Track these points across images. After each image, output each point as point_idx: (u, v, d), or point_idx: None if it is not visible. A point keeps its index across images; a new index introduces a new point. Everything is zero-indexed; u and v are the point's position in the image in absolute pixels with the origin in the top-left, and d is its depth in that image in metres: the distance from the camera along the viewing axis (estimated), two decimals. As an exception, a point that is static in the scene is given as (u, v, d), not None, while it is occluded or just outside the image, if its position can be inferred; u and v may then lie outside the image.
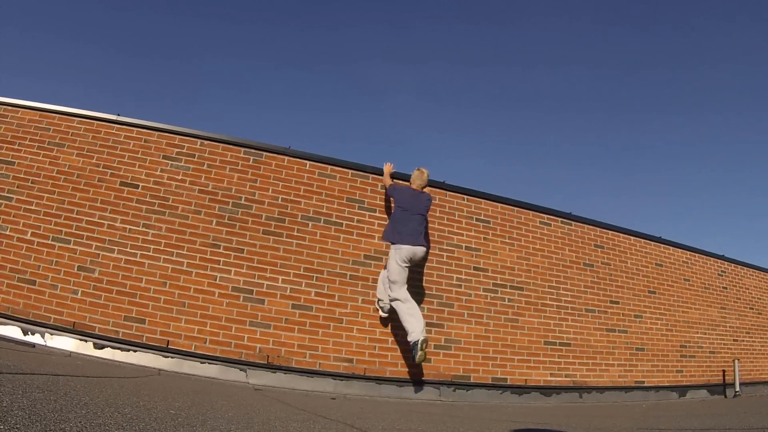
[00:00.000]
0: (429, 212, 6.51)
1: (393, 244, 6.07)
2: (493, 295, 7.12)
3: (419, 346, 5.67)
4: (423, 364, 6.40)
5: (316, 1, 39.46)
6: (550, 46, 40.48)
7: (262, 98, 43.74)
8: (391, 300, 6.03)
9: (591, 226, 8.42)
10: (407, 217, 6.19)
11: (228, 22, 38.19)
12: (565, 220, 8.13)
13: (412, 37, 41.65)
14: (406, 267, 6.02)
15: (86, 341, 5.49)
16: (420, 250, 6.13)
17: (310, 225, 6.41)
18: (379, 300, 6.30)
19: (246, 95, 42.85)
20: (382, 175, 6.73)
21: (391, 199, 6.48)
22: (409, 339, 5.82)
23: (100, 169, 6.08)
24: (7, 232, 5.73)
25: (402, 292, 5.96)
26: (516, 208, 7.72)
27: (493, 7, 38.76)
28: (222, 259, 6.02)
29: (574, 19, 37.36)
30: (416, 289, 6.54)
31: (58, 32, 32.77)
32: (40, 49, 32.91)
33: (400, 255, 5.97)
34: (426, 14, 39.55)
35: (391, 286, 6.01)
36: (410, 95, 42.62)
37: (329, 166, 6.73)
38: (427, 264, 6.81)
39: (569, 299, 7.75)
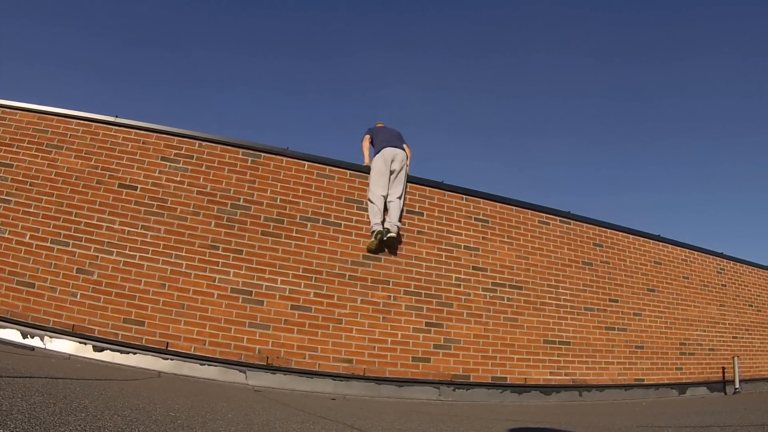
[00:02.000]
0: (426, 209, 7.00)
1: (376, 154, 6.95)
2: (492, 294, 7.12)
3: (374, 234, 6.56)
4: (422, 363, 6.42)
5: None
6: (552, 39, 40.53)
7: (262, 95, 43.73)
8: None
9: (590, 225, 8.42)
10: (386, 136, 7.16)
11: (222, 15, 38.20)
12: (563, 219, 8.14)
13: (412, 30, 41.67)
14: (387, 171, 6.81)
15: (85, 344, 5.49)
16: (400, 152, 6.95)
17: (308, 226, 6.41)
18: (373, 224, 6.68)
19: (243, 90, 42.82)
20: None
21: (368, 138, 7.35)
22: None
23: (99, 171, 6.08)
24: (6, 235, 5.72)
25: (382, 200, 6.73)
26: (515, 208, 7.72)
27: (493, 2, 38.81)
28: (221, 260, 6.02)
29: (576, 8, 37.40)
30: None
31: (54, 36, 32.75)
32: (36, 53, 32.90)
33: (382, 156, 6.85)
34: (427, 9, 39.59)
35: (373, 192, 6.73)
36: (409, 96, 42.65)
37: (327, 167, 6.74)
38: (425, 263, 6.82)
39: (568, 298, 7.75)
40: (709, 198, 40.95)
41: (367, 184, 6.77)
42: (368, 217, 6.64)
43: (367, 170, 6.89)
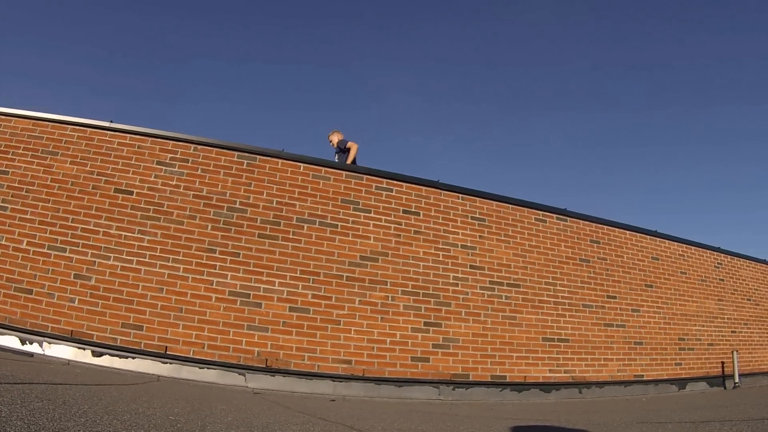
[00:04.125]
0: (422, 209, 7.17)
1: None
2: (490, 292, 7.13)
3: None
4: (421, 363, 6.42)
5: (309, 2, 39.51)
6: (545, 44, 40.58)
7: (255, 100, 43.73)
8: None
9: (586, 222, 8.43)
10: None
11: (220, 24, 38.19)
12: (560, 217, 8.15)
13: (407, 37, 41.70)
14: None
15: (84, 349, 5.48)
16: None
17: (305, 227, 6.42)
18: None
19: (239, 97, 42.84)
20: (375, 175, 6.87)
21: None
22: None
23: (94, 176, 6.08)
24: (3, 242, 5.71)
25: None
26: (511, 206, 7.73)
27: (488, 6, 38.83)
28: (218, 263, 6.02)
29: (566, 16, 37.45)
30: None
31: (51, 38, 32.72)
32: (33, 56, 32.84)
33: None
34: (421, 14, 39.61)
35: None
36: (405, 96, 42.67)
37: (323, 168, 6.74)
38: (423, 263, 6.83)
39: (566, 295, 7.76)
40: (707, 193, 41.09)
41: (363, 186, 6.79)
42: (364, 218, 6.66)
43: (363, 171, 6.91)
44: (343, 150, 8.38)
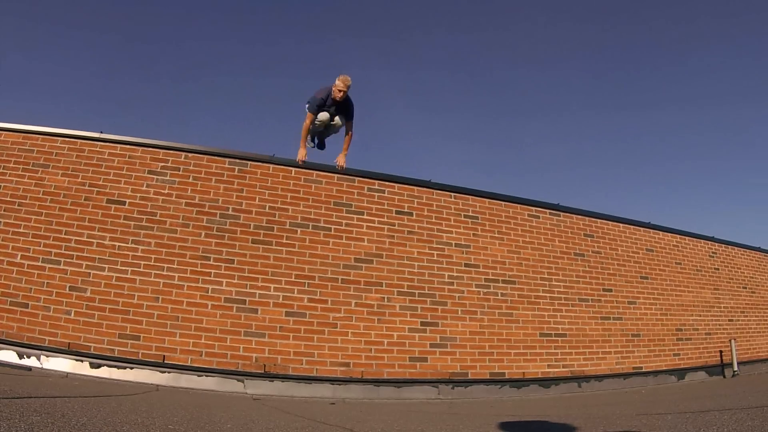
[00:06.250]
0: (415, 209, 7.11)
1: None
2: (485, 290, 7.14)
3: None
4: (420, 363, 6.43)
5: (308, 10, 39.53)
6: (538, 48, 40.73)
7: (252, 108, 43.68)
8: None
9: (580, 216, 8.46)
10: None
11: (219, 30, 38.14)
12: (553, 212, 8.16)
13: (404, 45, 41.77)
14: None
15: (82, 361, 5.47)
16: None
17: (298, 231, 6.42)
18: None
19: (237, 106, 42.81)
20: (367, 177, 6.90)
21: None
22: None
23: (86, 187, 6.07)
24: (-4, 257, 5.71)
25: None
26: (504, 203, 7.75)
27: (483, 12, 38.95)
28: (213, 270, 6.02)
29: (557, 23, 37.59)
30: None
31: (38, 50, 32.62)
32: (16, 69, 32.72)
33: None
34: (418, 22, 39.69)
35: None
36: (402, 102, 42.73)
37: (315, 172, 6.75)
38: (417, 263, 6.85)
39: (562, 290, 7.78)
40: (701, 184, 41.30)
41: (355, 188, 6.81)
42: (357, 220, 6.68)
43: (355, 173, 6.92)
44: (340, 107, 6.82)
